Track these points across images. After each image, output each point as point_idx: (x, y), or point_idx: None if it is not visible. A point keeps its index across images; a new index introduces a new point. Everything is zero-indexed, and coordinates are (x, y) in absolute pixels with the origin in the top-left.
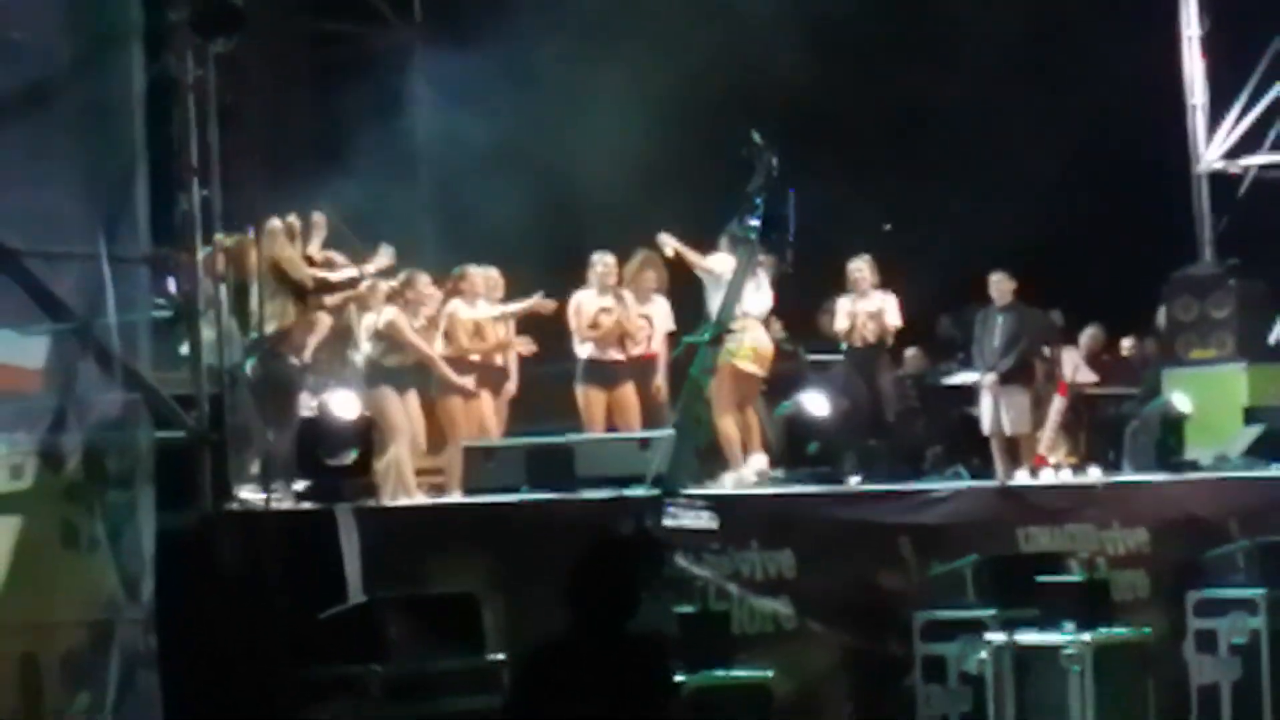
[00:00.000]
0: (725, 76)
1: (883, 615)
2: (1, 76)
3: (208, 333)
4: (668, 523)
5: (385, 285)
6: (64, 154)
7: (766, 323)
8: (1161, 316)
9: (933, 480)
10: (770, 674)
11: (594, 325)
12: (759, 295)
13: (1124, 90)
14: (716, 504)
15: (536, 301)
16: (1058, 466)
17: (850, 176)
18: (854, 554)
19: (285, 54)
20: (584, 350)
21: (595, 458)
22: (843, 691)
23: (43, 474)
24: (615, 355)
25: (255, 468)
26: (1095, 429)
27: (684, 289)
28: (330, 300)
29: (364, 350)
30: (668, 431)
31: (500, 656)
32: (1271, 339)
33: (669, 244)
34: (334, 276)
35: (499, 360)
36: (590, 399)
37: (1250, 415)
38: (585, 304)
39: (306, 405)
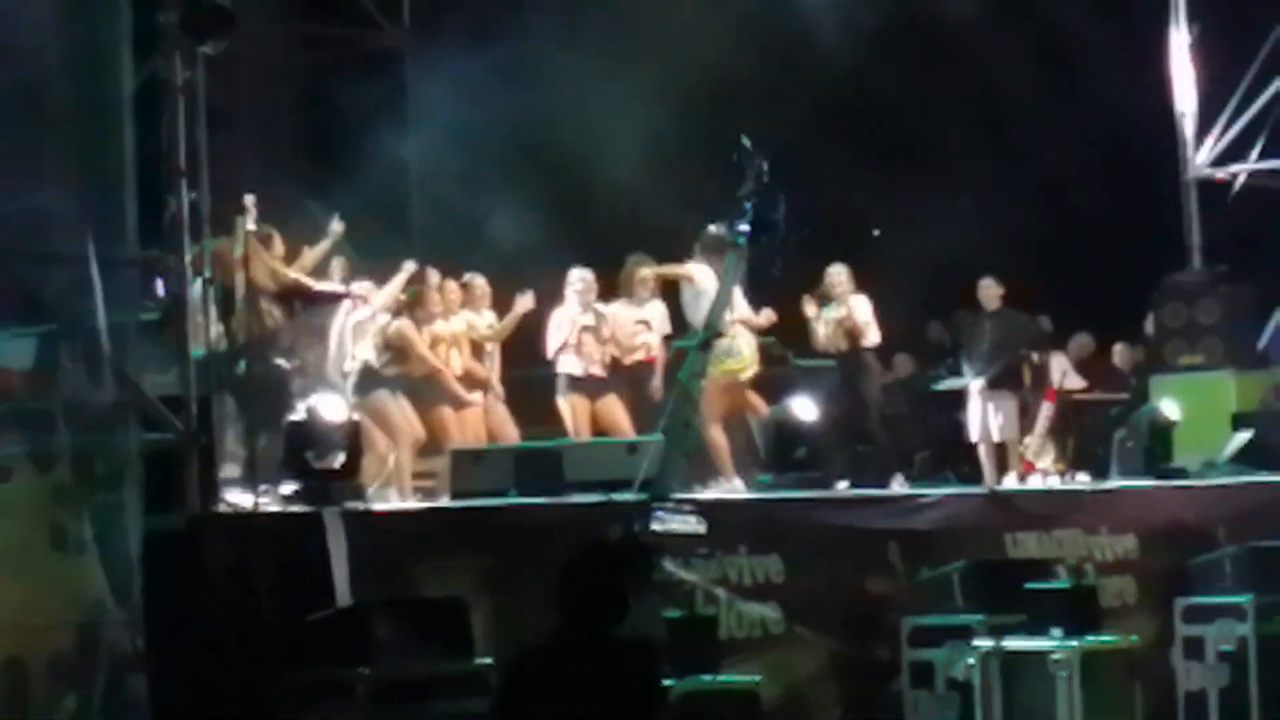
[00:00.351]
0: (717, 76)
1: (870, 620)
2: None
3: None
4: (656, 527)
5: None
6: (53, 155)
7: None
8: (1150, 323)
9: (921, 485)
10: (758, 679)
11: (578, 344)
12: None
13: (1113, 97)
14: (704, 509)
15: (521, 307)
16: (1045, 472)
17: (839, 182)
18: (842, 559)
19: (275, 56)
20: (564, 365)
21: (583, 462)
22: (830, 697)
23: (30, 476)
24: (596, 371)
25: (242, 470)
26: (1083, 435)
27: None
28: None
29: (363, 357)
30: (656, 436)
31: (488, 660)
32: (1260, 345)
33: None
34: (318, 286)
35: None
36: (574, 406)
37: (1238, 421)
38: (565, 322)
39: (294, 408)
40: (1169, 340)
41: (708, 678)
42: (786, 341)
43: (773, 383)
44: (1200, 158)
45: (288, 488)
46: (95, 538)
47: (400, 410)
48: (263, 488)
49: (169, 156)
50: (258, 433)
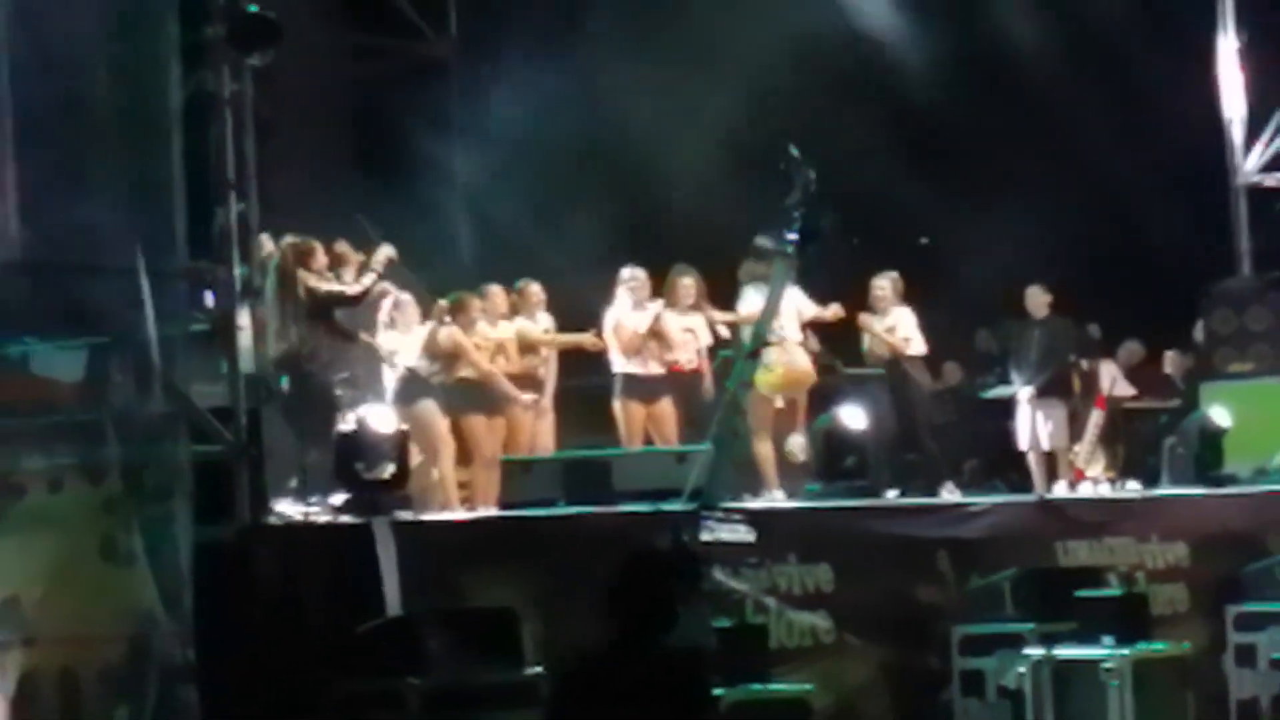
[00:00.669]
0: (762, 87)
1: (921, 629)
2: (41, 91)
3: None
4: (705, 536)
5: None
6: (102, 168)
7: (804, 337)
8: (1199, 330)
9: (970, 494)
10: (808, 688)
11: (632, 340)
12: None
13: (1162, 104)
14: (753, 518)
15: (588, 340)
16: (1096, 480)
17: (888, 191)
18: (892, 568)
19: (321, 68)
20: (622, 365)
21: (632, 471)
22: (881, 706)
23: (81, 488)
24: (655, 369)
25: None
26: (1133, 442)
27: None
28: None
29: (409, 364)
30: (705, 445)
31: (538, 670)
32: None
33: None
34: (353, 289)
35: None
36: (629, 413)
37: None
38: (622, 320)
39: (342, 419)
40: (1219, 347)
41: (758, 687)
42: (837, 350)
43: (822, 391)
44: (1249, 164)
45: (337, 498)
46: (145, 549)
47: (443, 421)
48: (312, 499)
49: (217, 168)
50: (306, 445)
